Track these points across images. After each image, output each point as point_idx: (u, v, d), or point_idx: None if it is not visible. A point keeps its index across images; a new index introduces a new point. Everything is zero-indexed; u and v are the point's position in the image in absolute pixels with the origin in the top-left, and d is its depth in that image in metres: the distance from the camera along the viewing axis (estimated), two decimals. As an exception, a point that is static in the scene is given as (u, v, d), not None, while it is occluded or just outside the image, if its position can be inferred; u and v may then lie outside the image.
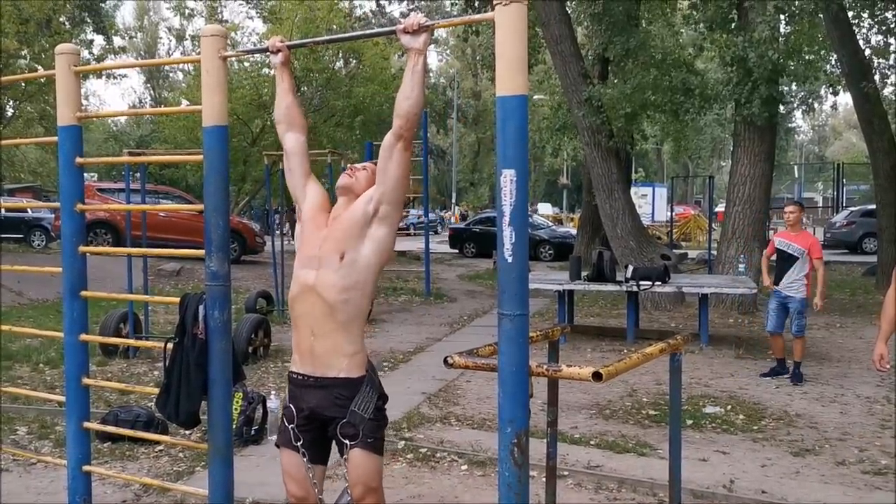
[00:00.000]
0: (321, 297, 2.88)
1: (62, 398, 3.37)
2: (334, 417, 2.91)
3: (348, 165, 3.19)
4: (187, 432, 5.19)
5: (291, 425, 2.99)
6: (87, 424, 3.36)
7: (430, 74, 47.87)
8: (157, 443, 5.31)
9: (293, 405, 3.00)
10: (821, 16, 12.79)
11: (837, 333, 10.34)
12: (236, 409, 5.45)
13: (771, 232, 23.32)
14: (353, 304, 2.90)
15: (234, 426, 4.25)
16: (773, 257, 8.04)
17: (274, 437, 5.49)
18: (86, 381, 3.33)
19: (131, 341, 7.26)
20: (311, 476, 3.00)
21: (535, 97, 26.71)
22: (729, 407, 6.60)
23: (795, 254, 7.59)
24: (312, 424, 2.98)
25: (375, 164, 3.03)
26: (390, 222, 2.94)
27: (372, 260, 2.92)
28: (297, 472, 3.00)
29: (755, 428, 6.05)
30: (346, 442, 2.89)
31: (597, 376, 2.46)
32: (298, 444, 2.98)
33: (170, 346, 3.03)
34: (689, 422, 6.06)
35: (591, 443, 5.58)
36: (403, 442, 5.52)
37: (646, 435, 5.82)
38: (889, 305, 4.28)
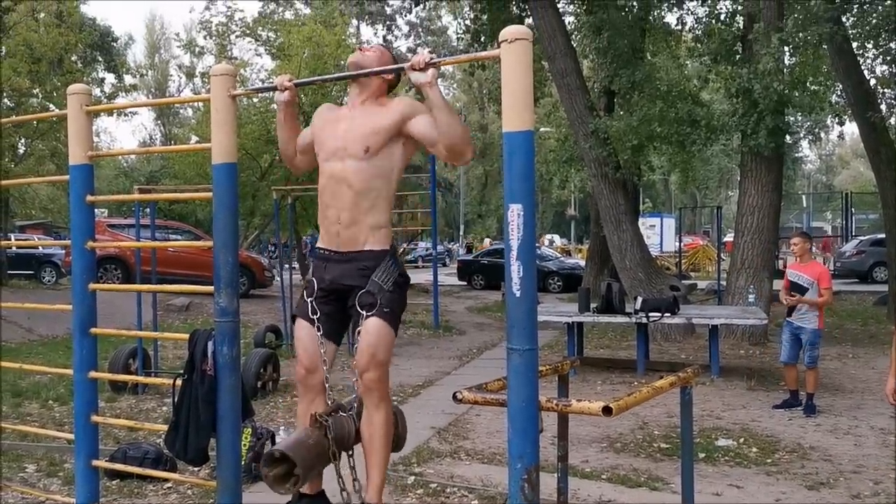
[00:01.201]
0: (348, 185, 3.00)
1: (71, 436, 3.37)
2: (354, 286, 2.97)
3: (358, 47, 3.33)
4: (196, 469, 5.17)
5: (310, 298, 3.06)
6: (95, 462, 3.35)
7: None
8: (166, 480, 5.28)
9: (315, 277, 3.08)
10: (825, 47, 12.86)
11: (850, 364, 10.25)
12: (245, 445, 5.43)
13: (780, 262, 23.29)
14: (378, 190, 3.03)
15: (242, 462, 4.24)
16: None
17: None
18: (95, 418, 3.33)
19: (140, 378, 7.26)
20: (323, 353, 3.02)
21: (542, 129, 26.84)
22: (742, 440, 6.53)
23: (805, 284, 7.58)
24: (332, 296, 3.04)
25: (384, 47, 3.22)
26: (411, 148, 3.13)
27: (396, 157, 3.06)
28: (309, 344, 3.05)
29: (769, 461, 5.98)
30: (363, 312, 2.92)
31: (607, 411, 2.44)
32: (315, 316, 3.02)
33: (179, 382, 3.03)
34: (702, 455, 6.00)
35: (603, 477, 5.52)
36: (413, 477, 5.48)
37: (658, 469, 5.76)
38: None
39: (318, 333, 3.04)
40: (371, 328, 2.94)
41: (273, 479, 2.87)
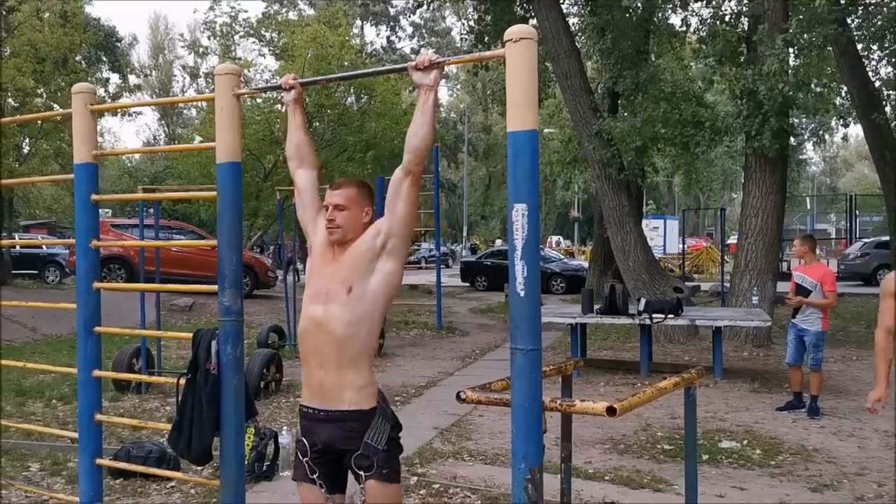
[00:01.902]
0: (329, 332, 2.88)
1: (75, 434, 3.37)
2: (347, 450, 2.90)
3: (324, 211, 3.06)
4: (199, 468, 5.17)
5: (306, 459, 2.98)
6: (99, 461, 3.35)
7: (441, 109, 48.29)
8: (169, 479, 5.29)
9: (306, 439, 2.99)
10: (830, 48, 12.85)
11: (854, 366, 10.22)
12: (248, 444, 5.43)
13: (784, 264, 23.25)
14: (361, 337, 2.89)
15: (245, 462, 4.24)
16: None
17: (286, 473, 5.48)
18: (99, 417, 3.33)
19: (144, 377, 7.27)
20: None
21: (546, 131, 26.86)
22: (745, 441, 6.51)
23: (809, 287, 7.57)
24: (326, 457, 2.97)
25: (352, 184, 3.05)
26: (398, 256, 2.95)
27: (380, 293, 2.92)
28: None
29: (772, 463, 5.97)
30: (362, 473, 2.88)
31: (611, 411, 2.44)
32: (314, 476, 2.97)
33: (182, 381, 3.03)
34: (705, 457, 5.99)
35: (606, 478, 5.52)
36: (416, 478, 5.48)
37: (661, 470, 5.75)
38: (881, 341, 4.18)
39: (322, 491, 3.01)
40: (375, 492, 2.89)
41: None
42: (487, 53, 2.74)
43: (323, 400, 2.93)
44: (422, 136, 2.82)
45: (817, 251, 8.93)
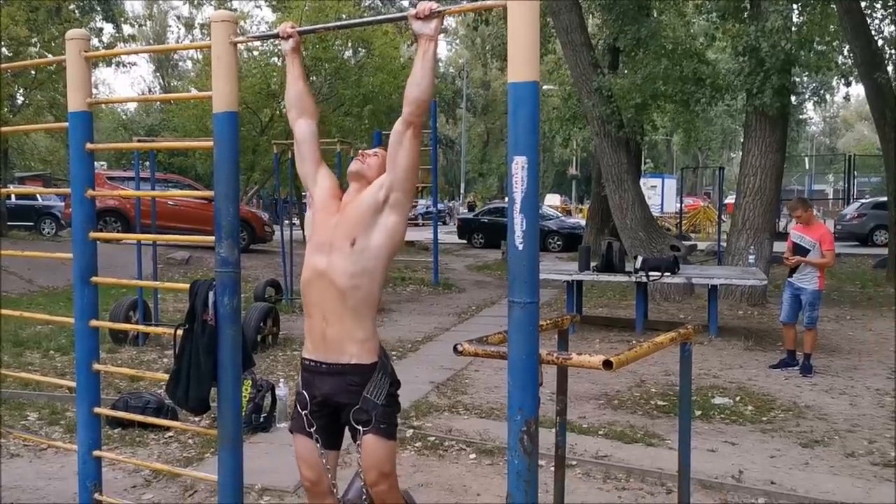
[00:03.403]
0: (333, 283, 2.89)
1: (73, 384, 3.38)
2: (347, 403, 2.92)
3: (359, 151, 3.17)
4: (197, 418, 5.21)
5: (304, 411, 3.01)
6: (97, 410, 3.36)
7: (440, 64, 47.74)
8: (167, 429, 5.34)
9: (306, 392, 3.01)
10: (833, 6, 12.69)
11: (847, 325, 10.29)
12: (245, 396, 5.47)
13: (782, 222, 23.25)
14: (364, 290, 2.90)
15: (243, 413, 4.27)
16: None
17: (283, 425, 5.53)
18: (96, 366, 3.34)
19: (141, 327, 7.29)
20: (325, 461, 3.01)
21: (545, 87, 26.61)
22: (738, 398, 6.58)
23: (808, 246, 7.58)
24: (325, 410, 2.99)
25: (386, 150, 3.04)
26: (401, 210, 2.94)
27: (382, 247, 2.92)
28: (310, 457, 3.02)
29: (764, 419, 6.03)
30: (359, 428, 2.90)
31: (607, 364, 2.45)
32: (311, 430, 2.99)
33: (180, 332, 3.03)
34: (698, 413, 6.05)
35: (600, 433, 5.58)
36: (412, 430, 5.53)
37: (654, 425, 5.82)
38: None
39: (318, 445, 3.01)
40: (371, 447, 2.90)
41: None
42: (489, 3, 2.68)
43: (325, 352, 2.94)
44: (423, 87, 2.79)
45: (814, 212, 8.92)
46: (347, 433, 3.02)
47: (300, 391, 3.05)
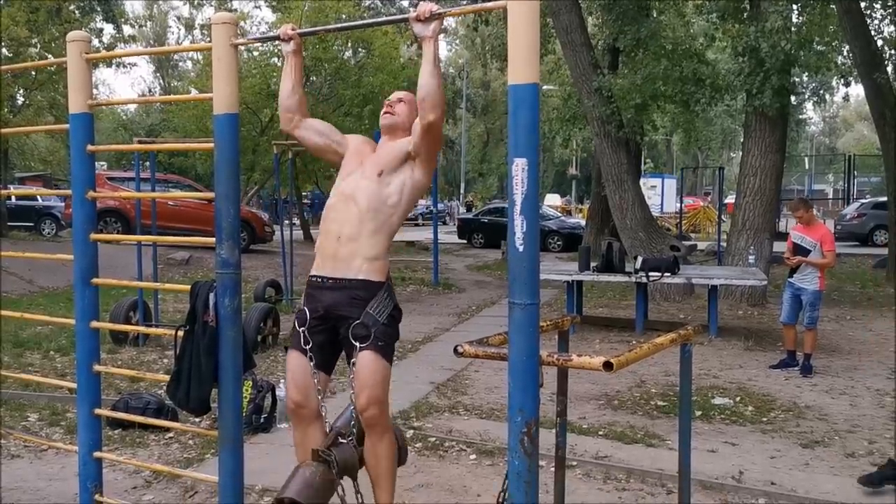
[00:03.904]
0: (356, 204, 3.04)
1: (73, 385, 3.39)
2: (348, 317, 2.97)
3: (385, 102, 3.30)
4: (197, 419, 5.21)
5: (303, 328, 3.06)
6: (98, 411, 3.37)
7: (440, 64, 47.54)
8: (168, 430, 5.34)
9: (308, 307, 3.09)
10: (833, 6, 12.69)
11: (847, 326, 10.29)
12: (246, 397, 5.47)
13: (782, 223, 23.25)
14: (384, 216, 3.05)
15: (243, 414, 4.26)
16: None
17: (283, 425, 5.53)
18: (97, 367, 3.34)
19: (142, 328, 7.29)
20: (316, 382, 3.03)
21: (545, 87, 26.60)
22: (738, 398, 6.58)
23: (808, 246, 7.58)
24: (324, 325, 3.03)
25: (411, 92, 3.23)
26: (425, 172, 3.15)
27: (406, 188, 3.09)
28: (300, 377, 3.06)
29: (764, 419, 6.04)
30: (357, 344, 2.92)
31: (608, 366, 2.45)
32: (307, 347, 3.03)
33: (180, 333, 3.04)
34: (698, 413, 6.05)
35: (600, 433, 5.58)
36: (412, 431, 5.53)
37: (654, 426, 5.82)
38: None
39: (311, 364, 3.02)
40: (366, 363, 2.92)
41: None
42: (489, 4, 2.69)
43: (333, 269, 3.02)
44: (425, 88, 2.93)
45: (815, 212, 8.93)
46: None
47: (302, 308, 3.11)
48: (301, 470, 3.02)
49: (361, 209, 3.01)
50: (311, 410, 3.06)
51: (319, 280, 3.04)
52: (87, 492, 3.34)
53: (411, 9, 3.04)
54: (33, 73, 17.34)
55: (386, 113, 3.22)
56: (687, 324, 3.38)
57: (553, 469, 3.77)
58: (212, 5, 27.05)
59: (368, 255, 2.99)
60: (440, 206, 27.62)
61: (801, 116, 47.61)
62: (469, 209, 37.25)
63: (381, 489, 3.08)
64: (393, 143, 3.16)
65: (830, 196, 45.65)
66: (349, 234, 2.99)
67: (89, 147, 3.30)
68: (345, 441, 3.07)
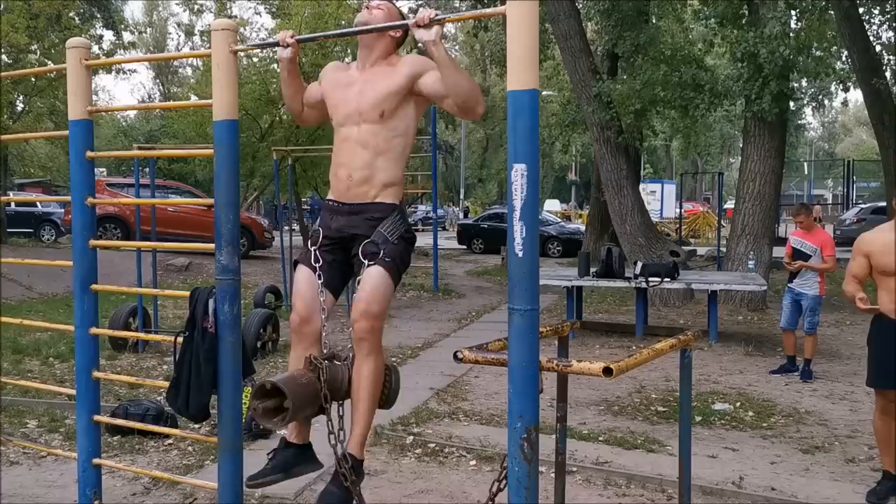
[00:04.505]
0: (365, 147, 3.02)
1: (72, 391, 3.38)
2: (360, 235, 3.01)
3: (365, 3, 3.23)
4: (197, 426, 5.21)
5: (314, 247, 3.07)
6: (97, 417, 3.36)
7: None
8: (167, 436, 5.33)
9: (321, 226, 3.11)
10: (831, 12, 12.72)
11: (847, 331, 10.29)
12: (245, 403, 5.45)
13: (781, 228, 23.24)
14: (395, 150, 3.05)
15: (243, 420, 4.25)
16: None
17: (282, 432, 5.52)
18: (96, 374, 3.34)
19: (142, 334, 7.29)
20: (322, 301, 3.02)
21: (545, 93, 26.65)
22: (738, 404, 6.58)
23: (809, 251, 7.58)
24: (336, 245, 3.07)
25: (390, 2, 3.17)
26: (425, 103, 3.13)
27: (410, 116, 3.07)
28: (307, 291, 3.05)
29: (765, 425, 6.03)
30: (365, 261, 2.94)
31: (607, 371, 2.45)
32: (317, 264, 3.04)
33: (180, 339, 3.03)
34: (699, 418, 6.04)
35: (600, 439, 5.57)
36: (412, 437, 5.53)
37: (654, 431, 5.81)
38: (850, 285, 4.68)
39: (319, 282, 3.03)
40: (370, 277, 2.92)
41: (262, 412, 2.87)
42: (488, 10, 2.70)
43: (350, 197, 3.05)
44: (459, 88, 2.88)
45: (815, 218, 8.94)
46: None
47: (315, 228, 3.15)
48: (290, 371, 3.03)
49: (371, 153, 3.01)
50: (314, 329, 3.03)
51: (335, 204, 3.09)
52: (86, 498, 3.33)
53: (411, 15, 3.03)
54: (33, 79, 17.35)
55: (364, 11, 3.14)
56: (687, 329, 3.38)
57: (553, 475, 3.77)
58: (211, 12, 27.08)
59: (383, 181, 3.03)
60: (440, 211, 27.62)
61: (800, 122, 47.68)
62: (465, 215, 37.25)
63: (358, 412, 2.98)
64: (389, 76, 3.03)
65: (830, 201, 45.66)
66: (361, 177, 3.02)
67: (89, 153, 3.30)
68: (339, 363, 3.05)
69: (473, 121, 52.25)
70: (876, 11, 15.96)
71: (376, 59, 3.10)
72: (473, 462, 5.08)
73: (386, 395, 3.14)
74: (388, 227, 2.98)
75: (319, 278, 3.02)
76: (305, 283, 3.05)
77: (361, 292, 2.92)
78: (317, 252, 3.05)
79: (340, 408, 3.04)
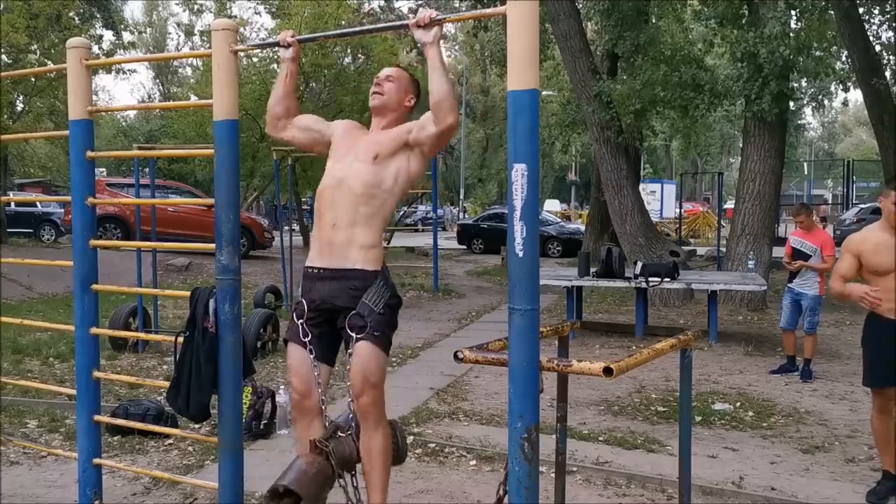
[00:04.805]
0: (350, 188, 3.01)
1: (72, 391, 3.39)
2: (345, 307, 2.96)
3: (375, 80, 3.27)
4: (197, 426, 5.21)
5: (301, 321, 3.05)
6: (97, 417, 3.37)
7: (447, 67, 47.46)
8: (167, 436, 5.33)
9: (305, 299, 3.09)
10: (831, 12, 12.72)
11: (847, 331, 10.28)
12: (245, 403, 5.46)
13: (781, 228, 23.24)
14: (378, 201, 3.02)
15: (243, 420, 4.26)
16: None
17: (283, 432, 5.53)
18: (97, 374, 3.34)
19: (142, 334, 7.29)
20: (317, 375, 3.02)
21: (545, 93, 26.64)
22: (738, 404, 6.58)
23: (809, 251, 7.58)
24: (322, 317, 3.03)
25: (400, 68, 3.28)
26: (422, 161, 3.13)
27: (402, 173, 3.06)
28: (302, 367, 3.04)
29: (764, 425, 6.03)
30: (353, 335, 2.91)
31: (608, 371, 2.45)
32: (306, 339, 3.02)
33: (180, 339, 3.04)
34: (699, 418, 6.04)
35: (600, 439, 5.57)
36: (412, 437, 5.52)
37: (654, 431, 5.81)
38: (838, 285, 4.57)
39: (311, 357, 3.01)
40: (362, 353, 2.91)
41: None
42: (488, 10, 2.71)
43: (329, 257, 3.01)
44: (440, 93, 2.91)
45: (815, 218, 8.94)
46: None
47: (299, 300, 3.11)
48: (298, 461, 3.01)
49: (356, 193, 2.98)
50: (314, 403, 3.05)
51: (315, 271, 3.04)
52: (86, 498, 3.34)
53: (410, 15, 3.05)
54: (33, 79, 17.35)
55: (375, 93, 3.19)
56: (687, 329, 3.38)
57: (553, 475, 3.77)
58: (211, 12, 27.08)
59: (364, 243, 2.98)
60: (439, 211, 27.64)
61: (799, 122, 47.69)
62: (461, 215, 37.30)
63: (373, 487, 3.02)
64: (389, 130, 3.12)
65: (829, 201, 45.64)
66: (344, 221, 2.98)
67: (89, 153, 3.31)
68: (343, 434, 3.05)
69: (474, 123, 52.26)
70: (876, 11, 15.96)
71: (387, 125, 3.17)
72: (473, 462, 5.08)
73: (396, 454, 3.17)
74: (372, 297, 2.94)
75: (311, 353, 3.01)
76: (298, 360, 3.04)
77: (356, 366, 2.92)
78: (304, 326, 3.02)
79: (354, 479, 3.06)
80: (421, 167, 3.13)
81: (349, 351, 2.94)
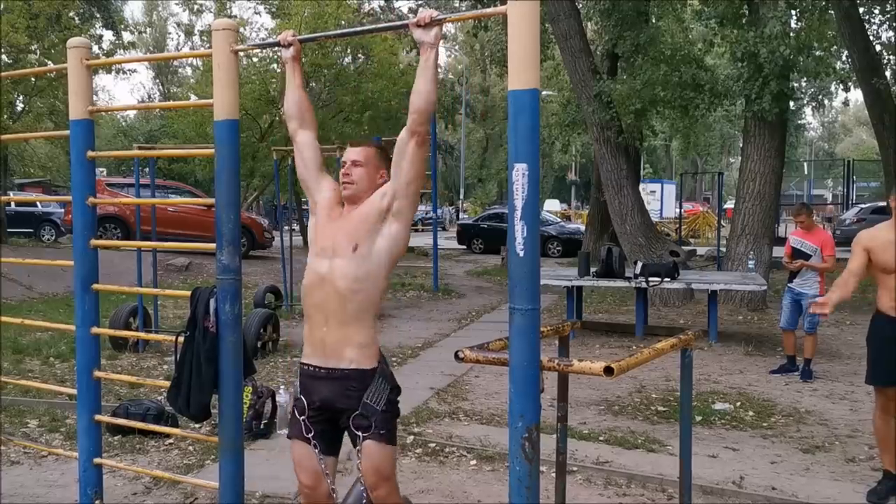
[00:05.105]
0: (334, 287, 2.89)
1: (73, 391, 3.38)
2: (346, 409, 2.91)
3: (342, 162, 3.09)
4: (197, 426, 5.21)
5: (302, 417, 2.99)
6: (98, 417, 3.37)
7: (439, 69, 47.57)
8: (168, 436, 5.33)
9: (304, 397, 3.00)
10: (831, 11, 12.72)
11: (847, 331, 10.29)
12: (246, 403, 5.46)
13: (781, 227, 23.24)
14: (366, 294, 2.90)
15: (243, 420, 4.26)
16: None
17: (283, 431, 5.51)
18: (97, 373, 3.34)
19: (142, 334, 7.28)
20: (324, 467, 3.00)
21: (545, 93, 26.65)
22: (738, 404, 6.58)
23: (809, 251, 7.59)
24: (324, 416, 2.97)
25: (372, 145, 3.06)
26: (404, 218, 2.94)
27: (385, 253, 2.93)
28: (308, 463, 3.00)
29: (765, 425, 6.03)
30: (359, 434, 2.89)
31: (608, 371, 2.45)
32: (310, 435, 2.98)
33: (181, 339, 3.03)
34: (699, 418, 6.04)
35: (601, 438, 5.57)
36: (412, 437, 5.53)
37: (655, 431, 5.81)
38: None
39: (316, 451, 2.99)
40: (371, 452, 2.88)
41: None
42: (489, 10, 2.70)
43: (324, 357, 2.93)
44: (423, 95, 2.80)
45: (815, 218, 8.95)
46: (347, 440, 3.01)
47: (298, 397, 3.03)
48: None
49: (341, 293, 2.88)
50: (324, 492, 3.03)
51: (312, 369, 2.96)
52: (87, 498, 3.34)
53: (411, 15, 3.02)
54: (33, 79, 17.36)
55: (345, 183, 3.02)
56: (687, 329, 3.38)
57: (554, 474, 3.77)
58: (211, 12, 27.09)
59: (357, 342, 2.90)
60: (438, 211, 27.66)
61: (800, 121, 47.68)
62: (458, 216, 37.32)
63: None
64: (364, 206, 2.96)
65: (830, 201, 45.66)
66: (334, 321, 2.89)
67: (89, 153, 3.31)
68: None
69: (474, 122, 52.27)
70: (876, 11, 15.98)
71: (363, 205, 3.01)
72: (474, 462, 5.08)
73: None
74: (372, 396, 2.89)
75: (315, 448, 2.98)
76: (304, 457, 2.99)
77: (367, 464, 2.88)
78: (306, 422, 2.98)
79: None
80: (406, 223, 2.97)
81: (357, 448, 2.92)
